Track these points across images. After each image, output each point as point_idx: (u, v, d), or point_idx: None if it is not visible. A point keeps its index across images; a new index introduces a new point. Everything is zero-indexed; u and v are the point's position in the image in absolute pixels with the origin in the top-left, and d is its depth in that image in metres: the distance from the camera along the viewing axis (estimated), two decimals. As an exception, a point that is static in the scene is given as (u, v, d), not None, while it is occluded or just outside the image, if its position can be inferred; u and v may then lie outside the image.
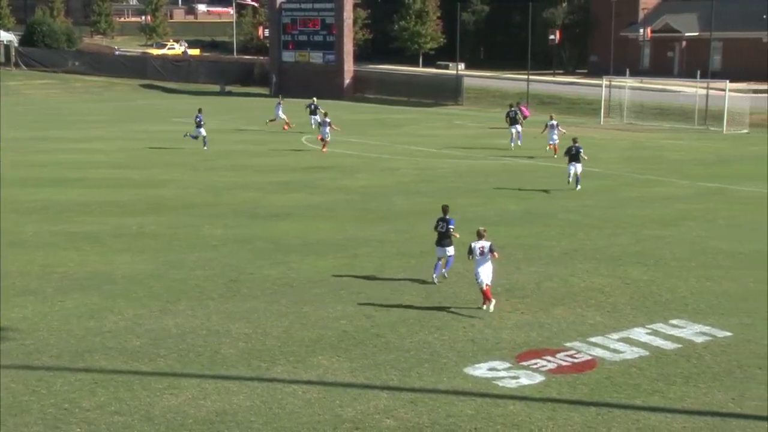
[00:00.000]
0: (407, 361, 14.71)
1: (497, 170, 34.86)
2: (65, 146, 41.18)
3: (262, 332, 16.07)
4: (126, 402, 13.11)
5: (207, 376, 14.07)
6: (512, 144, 40.32)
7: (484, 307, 17.22)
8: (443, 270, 19.27)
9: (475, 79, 71.10)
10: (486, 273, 17.17)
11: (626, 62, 69.79)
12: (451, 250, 19.11)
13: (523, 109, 48.13)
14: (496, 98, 64.07)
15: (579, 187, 30.05)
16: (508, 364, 14.53)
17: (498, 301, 17.79)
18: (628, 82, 54.14)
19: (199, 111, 41.06)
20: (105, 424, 12.39)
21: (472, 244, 17.35)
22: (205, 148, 39.76)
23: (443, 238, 19.09)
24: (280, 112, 47.53)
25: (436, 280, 19.08)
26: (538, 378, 13.97)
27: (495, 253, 17.24)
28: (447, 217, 19.28)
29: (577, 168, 30.16)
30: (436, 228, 19.28)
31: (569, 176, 30.34)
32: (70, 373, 14.13)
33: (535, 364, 14.52)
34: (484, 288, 17.15)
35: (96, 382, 13.84)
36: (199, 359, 14.78)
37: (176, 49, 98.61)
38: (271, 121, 47.97)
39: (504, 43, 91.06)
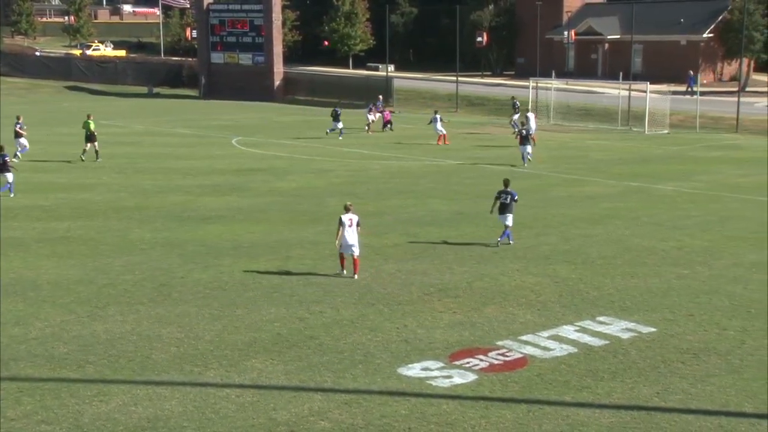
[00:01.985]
0: (341, 362, 14.75)
1: (428, 171, 35.13)
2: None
3: (194, 336, 15.93)
4: (53, 410, 12.86)
5: (138, 382, 13.89)
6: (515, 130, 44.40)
7: (345, 272, 19.58)
8: (509, 240, 22.34)
9: (405, 80, 71.50)
10: (353, 243, 19.36)
11: (552, 64, 70.98)
12: (510, 220, 22.25)
13: (386, 113, 49.01)
14: (426, 99, 64.57)
15: (528, 163, 35.59)
16: (441, 364, 14.67)
17: (430, 301, 17.99)
18: (554, 83, 55.08)
19: (336, 105, 48.39)
20: (33, 434, 12.15)
21: (342, 217, 19.48)
22: (340, 138, 44.57)
23: (504, 208, 22.19)
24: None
25: (512, 242, 22.39)
26: (471, 377, 14.15)
27: (359, 227, 19.57)
28: (509, 189, 22.30)
29: (528, 148, 35.70)
30: (498, 198, 22.31)
31: (523, 156, 35.67)
32: (-5, 382, 13.80)
33: (468, 363, 14.70)
34: (346, 254, 19.45)
35: (21, 390, 13.54)
36: (130, 365, 14.57)
37: (101, 50, 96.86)
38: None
39: (433, 45, 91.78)
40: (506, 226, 22.34)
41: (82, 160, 36.41)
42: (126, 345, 15.45)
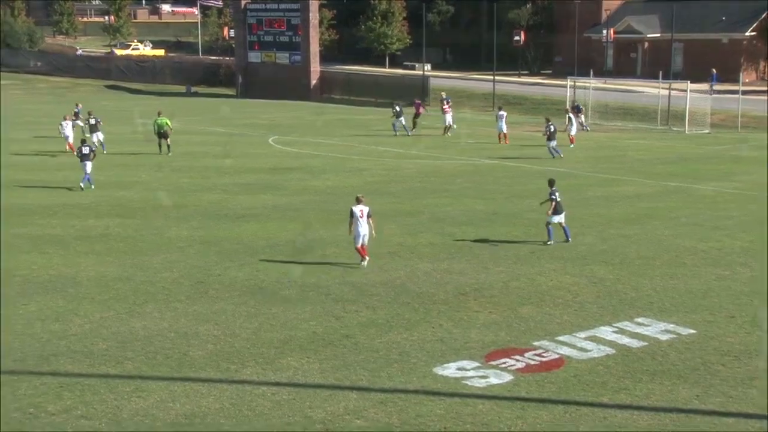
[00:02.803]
0: (377, 361, 14.74)
1: (463, 171, 35.01)
2: (25, 147, 40.56)
3: (230, 334, 16.02)
4: (93, 406, 13.00)
5: (175, 379, 14.00)
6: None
7: (363, 263, 20.08)
8: (568, 239, 22.50)
9: (441, 79, 71.32)
10: (365, 233, 19.96)
11: (590, 63, 70.39)
12: (563, 217, 22.54)
13: (419, 106, 48.25)
14: (463, 99, 64.33)
15: (561, 155, 37.09)
16: (476, 364, 14.60)
17: (466, 300, 17.92)
18: (592, 82, 54.56)
19: (395, 103, 47.68)
20: (71, 428, 12.29)
21: (353, 208, 19.97)
22: (409, 134, 45.75)
23: (558, 207, 22.35)
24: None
25: (551, 243, 22.29)
26: (507, 377, 14.07)
27: (371, 218, 20.01)
28: (555, 188, 22.54)
29: (553, 143, 37.30)
30: (553, 199, 22.30)
31: (550, 150, 37.27)
32: (35, 377, 13.98)
33: (504, 363, 14.62)
34: (360, 246, 20.05)
35: (62, 385, 13.71)
36: (167, 362, 14.69)
37: (140, 49, 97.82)
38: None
39: (469, 44, 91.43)
40: (561, 224, 22.55)
41: (168, 154, 38.08)
42: (164, 342, 15.58)
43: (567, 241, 22.57)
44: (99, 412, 12.78)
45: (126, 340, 15.64)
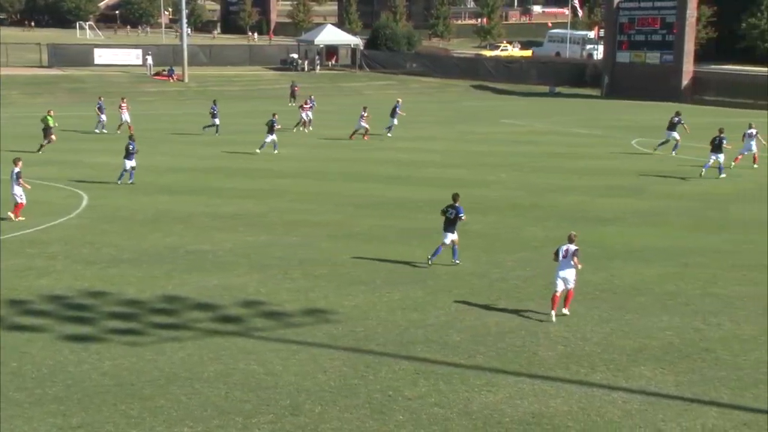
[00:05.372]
0: (741, 379, 13.70)
1: None
2: (398, 145, 42.96)
3: (581, 337, 15.77)
4: (445, 395, 13.44)
5: (524, 376, 14.07)
6: None
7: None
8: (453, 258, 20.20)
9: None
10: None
11: None
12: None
13: None
14: None
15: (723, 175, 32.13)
16: None
17: None
18: None
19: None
20: (426, 415, 12.79)
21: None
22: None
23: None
24: None
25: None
26: None
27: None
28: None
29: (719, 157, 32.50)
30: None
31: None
32: (394, 362, 14.76)
33: None
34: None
35: (418, 372, 14.33)
36: (517, 359, 14.80)
37: (509, 50, 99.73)
38: None
39: None
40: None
41: (39, 152, 36.88)
42: (514, 339, 15.72)
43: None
44: (451, 402, 13.18)
45: (479, 334, 15.99)
